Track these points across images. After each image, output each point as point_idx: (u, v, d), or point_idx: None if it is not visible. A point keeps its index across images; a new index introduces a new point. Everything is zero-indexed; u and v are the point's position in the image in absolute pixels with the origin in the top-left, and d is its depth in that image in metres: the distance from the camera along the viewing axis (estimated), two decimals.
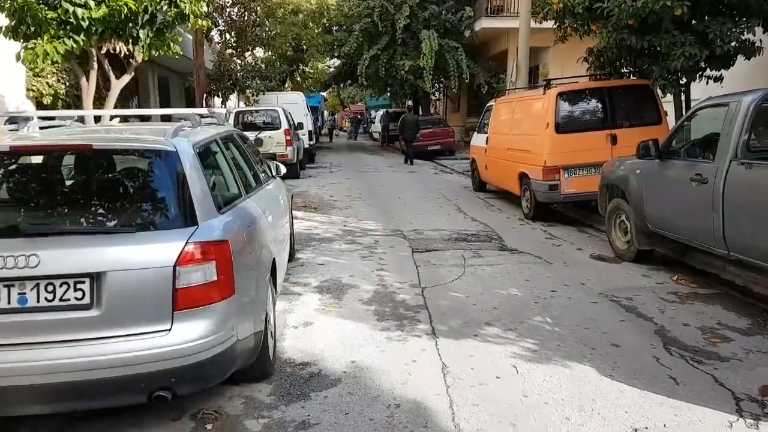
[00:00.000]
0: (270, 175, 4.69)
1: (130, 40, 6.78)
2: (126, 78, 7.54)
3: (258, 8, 15.72)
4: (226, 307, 2.53)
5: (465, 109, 26.06)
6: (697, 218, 4.47)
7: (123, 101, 13.64)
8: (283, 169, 4.81)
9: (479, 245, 6.34)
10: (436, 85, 20.72)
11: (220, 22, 15.31)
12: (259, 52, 20.47)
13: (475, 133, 11.13)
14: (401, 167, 16.45)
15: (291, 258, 5.35)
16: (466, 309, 4.24)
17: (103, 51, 6.99)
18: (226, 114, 4.46)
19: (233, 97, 17.13)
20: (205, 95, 12.75)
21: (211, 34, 15.50)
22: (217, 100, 16.91)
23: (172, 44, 7.18)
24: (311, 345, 3.59)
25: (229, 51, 15.55)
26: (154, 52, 7.07)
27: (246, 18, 15.96)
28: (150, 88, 17.38)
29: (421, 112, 23.96)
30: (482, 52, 22.05)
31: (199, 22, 7.30)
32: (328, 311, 4.21)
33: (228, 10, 15.44)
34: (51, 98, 9.22)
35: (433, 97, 24.90)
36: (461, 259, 5.67)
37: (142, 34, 6.71)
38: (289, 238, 5.12)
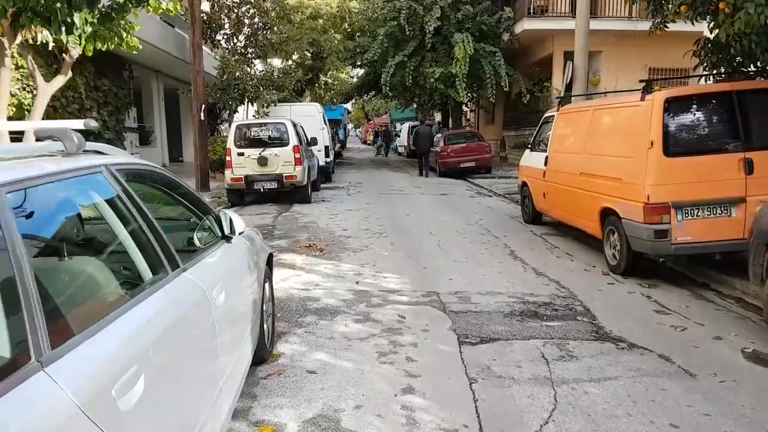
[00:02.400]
0: (221, 235, 2.62)
1: (63, 28, 4.82)
2: (59, 80, 5.60)
3: (269, 9, 13.87)
4: None
5: (500, 121, 23.80)
6: None
7: (115, 113, 11.90)
8: (240, 226, 2.68)
9: (562, 328, 4.11)
10: (470, 94, 18.49)
11: (226, 24, 13.50)
12: (275, 60, 18.76)
13: (528, 151, 8.89)
14: (430, 187, 14.28)
15: (262, 357, 3.24)
16: None
17: (18, 41, 5.02)
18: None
19: (242, 109, 15.33)
20: (203, 107, 10.87)
21: (218, 38, 13.69)
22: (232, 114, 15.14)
23: (126, 34, 5.20)
24: None
25: (236, 57, 13.71)
26: (99, 45, 5.10)
27: (257, 20, 14.13)
28: (154, 99, 15.72)
29: (451, 125, 21.80)
30: (522, 58, 19.85)
31: (162, 4, 5.31)
32: None
33: (236, 10, 13.61)
34: None
35: (466, 108, 22.70)
36: (542, 364, 3.45)
37: (77, 19, 4.74)
38: (259, 322, 3.03)
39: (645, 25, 17.12)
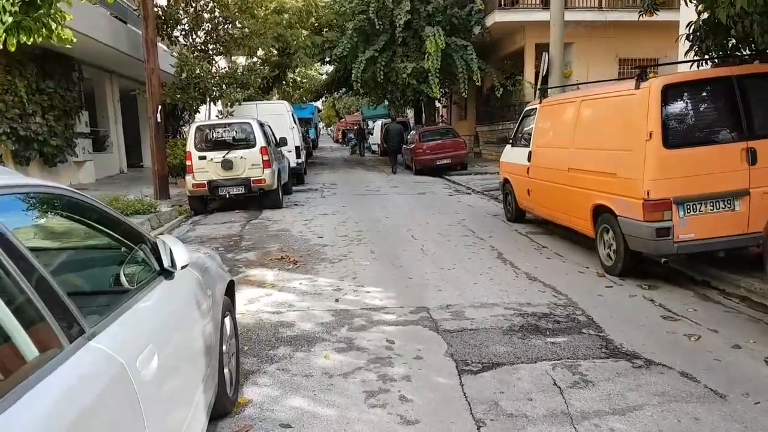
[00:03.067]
0: (158, 269, 2.02)
1: None
2: None
3: (230, 2, 13.10)
4: None
5: (473, 117, 23.51)
6: None
7: (63, 118, 11.02)
8: (183, 258, 2.06)
9: (569, 344, 3.66)
10: (442, 90, 18.07)
11: (184, 19, 12.69)
12: (240, 58, 17.95)
13: (509, 146, 8.49)
14: (407, 186, 13.82)
15: (224, 408, 2.68)
16: None
17: None
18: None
19: (204, 109, 14.51)
20: (159, 107, 10.10)
21: (175, 34, 12.87)
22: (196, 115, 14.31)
23: (56, 26, 4.50)
24: None
25: (196, 54, 12.91)
26: (24, 38, 4.39)
27: (217, 14, 13.34)
28: (108, 101, 14.79)
29: (424, 121, 21.37)
30: (494, 52, 19.57)
31: None
32: None
33: (194, 4, 12.81)
34: None
35: (439, 104, 22.31)
36: (556, 394, 2.99)
37: None
38: (218, 368, 2.47)
39: (615, 15, 17.13)
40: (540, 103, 7.45)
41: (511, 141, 8.39)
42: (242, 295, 4.72)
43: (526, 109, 8.06)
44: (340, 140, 54.06)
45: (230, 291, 3.02)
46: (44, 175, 11.22)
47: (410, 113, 31.02)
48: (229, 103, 13.44)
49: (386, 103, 22.97)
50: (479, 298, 4.66)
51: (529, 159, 7.36)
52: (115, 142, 15.25)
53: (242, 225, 8.58)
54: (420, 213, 9.38)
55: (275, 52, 19.17)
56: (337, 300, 4.68)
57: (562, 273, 5.43)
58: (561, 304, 4.50)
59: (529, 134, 7.58)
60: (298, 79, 29.64)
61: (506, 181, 8.46)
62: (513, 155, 8.13)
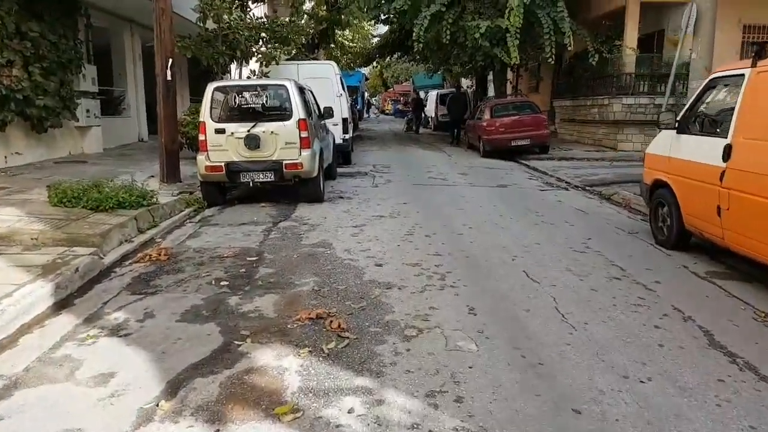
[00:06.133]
0: None
1: None
2: None
3: None
4: None
5: (548, 88, 20.13)
6: None
7: (57, 71, 8.71)
8: None
9: None
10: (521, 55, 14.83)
11: None
12: (281, 10, 15.27)
13: (665, 132, 5.57)
14: (478, 173, 11.03)
15: None
16: None
17: None
18: None
19: (234, 69, 11.98)
20: (170, 61, 7.61)
21: None
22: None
23: None
24: None
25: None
26: None
27: None
28: (127, 57, 12.44)
29: (493, 92, 18.23)
30: (582, 11, 16.11)
31: None
32: None
33: None
34: None
35: (511, 72, 19.02)
36: None
37: None
38: None
39: None
40: (755, 66, 4.45)
41: (677, 123, 5.43)
42: None
43: (715, 76, 5.08)
44: (388, 111, 51.00)
45: None
46: (29, 143, 9.00)
47: (466, 83, 27.70)
48: (264, 62, 10.87)
49: (448, 69, 19.85)
50: None
51: (725, 157, 4.45)
52: (134, 104, 12.98)
53: (265, 231, 6.05)
54: (516, 222, 6.60)
55: (323, 5, 16.41)
56: None
57: None
58: None
59: (726, 117, 4.65)
60: (347, 42, 26.77)
61: (660, 184, 5.58)
62: (681, 147, 5.21)
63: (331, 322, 3.50)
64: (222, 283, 4.26)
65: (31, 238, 4.51)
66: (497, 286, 4.30)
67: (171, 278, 4.38)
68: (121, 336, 3.32)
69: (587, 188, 9.27)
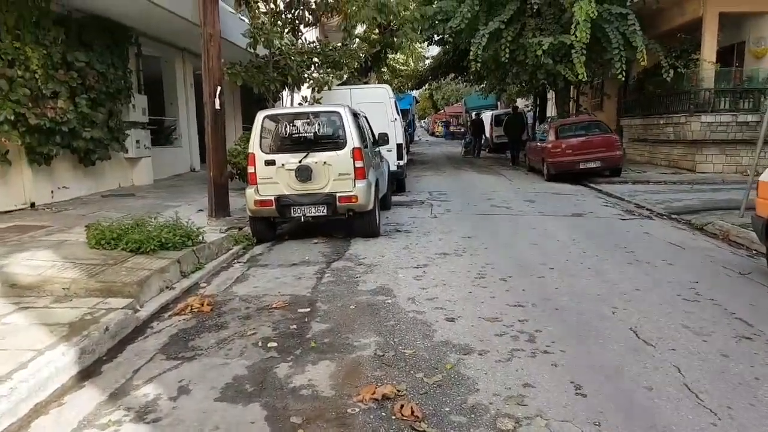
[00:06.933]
0: None
1: None
2: None
3: None
4: None
5: (613, 106, 18.91)
6: None
7: (106, 102, 8.60)
8: None
9: None
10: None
11: None
12: (334, 36, 15.01)
13: None
14: (546, 200, 10.10)
15: None
16: None
17: None
18: None
19: (285, 95, 11.69)
20: (218, 89, 7.28)
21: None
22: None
23: None
24: None
25: (276, 21, 10.01)
26: None
27: None
28: (179, 86, 12.44)
29: (555, 112, 17.24)
30: (653, 25, 14.99)
31: None
32: None
33: None
34: None
35: (574, 90, 17.97)
36: None
37: None
38: None
39: None
40: None
41: None
42: None
43: None
44: (438, 133, 50.35)
45: None
46: (77, 176, 8.88)
47: (522, 103, 26.68)
48: (317, 87, 10.49)
49: (503, 89, 19.03)
50: None
51: None
52: (186, 134, 12.94)
53: (318, 273, 5.43)
54: (605, 261, 5.68)
55: (375, 29, 16.10)
56: None
57: None
58: None
59: None
60: (398, 66, 26.50)
61: None
62: None
63: (402, 406, 2.78)
64: (269, 345, 3.64)
65: (63, 288, 4.09)
66: (603, 353, 3.45)
67: (212, 337, 3.81)
68: (148, 422, 2.73)
69: (673, 216, 8.19)
